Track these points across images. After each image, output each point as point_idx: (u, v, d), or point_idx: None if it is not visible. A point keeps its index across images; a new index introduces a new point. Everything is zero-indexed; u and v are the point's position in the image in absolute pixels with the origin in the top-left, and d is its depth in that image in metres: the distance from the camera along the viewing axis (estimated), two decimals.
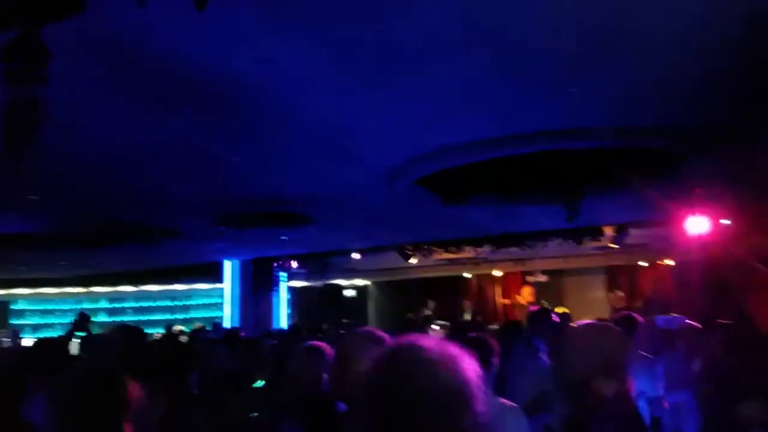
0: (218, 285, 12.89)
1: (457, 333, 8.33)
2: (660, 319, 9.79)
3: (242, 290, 11.64)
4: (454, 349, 1.11)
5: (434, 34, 2.60)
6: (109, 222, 6.64)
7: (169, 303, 15.46)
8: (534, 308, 11.57)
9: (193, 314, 15.13)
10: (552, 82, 3.28)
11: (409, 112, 3.67)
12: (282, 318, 12.32)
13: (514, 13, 2.41)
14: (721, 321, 4.99)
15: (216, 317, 14.71)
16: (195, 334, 10.64)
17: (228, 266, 11.90)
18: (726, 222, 7.31)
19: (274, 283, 11.34)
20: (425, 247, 9.25)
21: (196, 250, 9.67)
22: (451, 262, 11.02)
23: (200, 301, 15.41)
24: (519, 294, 13.03)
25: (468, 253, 9.66)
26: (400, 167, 5.04)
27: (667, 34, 2.69)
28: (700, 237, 7.75)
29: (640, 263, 11.50)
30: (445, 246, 9.19)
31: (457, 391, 1.04)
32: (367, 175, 5.24)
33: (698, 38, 2.74)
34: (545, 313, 5.12)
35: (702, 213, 7.25)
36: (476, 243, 8.81)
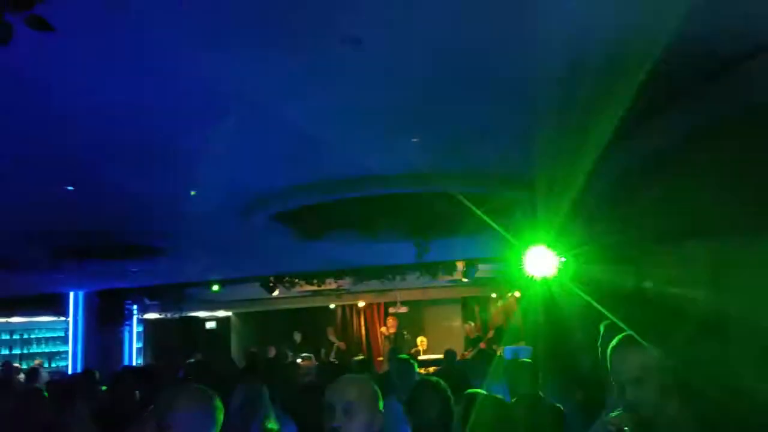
0: (62, 318, 11.89)
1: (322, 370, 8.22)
2: (508, 349, 10.45)
3: (88, 324, 10.76)
4: None
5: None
6: None
7: (6, 337, 13.86)
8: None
9: (34, 349, 13.74)
10: (395, 131, 3.46)
11: (261, 148, 3.67)
12: (133, 354, 11.58)
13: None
14: None
15: (60, 352, 13.49)
16: (32, 372, 9.61)
17: (72, 298, 11.00)
18: (562, 258, 8.05)
19: (124, 317, 10.58)
20: (287, 279, 9.16)
21: (34, 281, 8.76)
22: (315, 293, 11.01)
23: (42, 335, 14.00)
24: (384, 325, 13.35)
25: (330, 285, 9.72)
26: (255, 201, 4.98)
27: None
28: (539, 271, 8.47)
29: (492, 295, 12.32)
30: (308, 278, 9.17)
31: None
32: (220, 207, 5.11)
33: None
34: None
35: (540, 249, 7.95)
36: (337, 275, 8.89)
